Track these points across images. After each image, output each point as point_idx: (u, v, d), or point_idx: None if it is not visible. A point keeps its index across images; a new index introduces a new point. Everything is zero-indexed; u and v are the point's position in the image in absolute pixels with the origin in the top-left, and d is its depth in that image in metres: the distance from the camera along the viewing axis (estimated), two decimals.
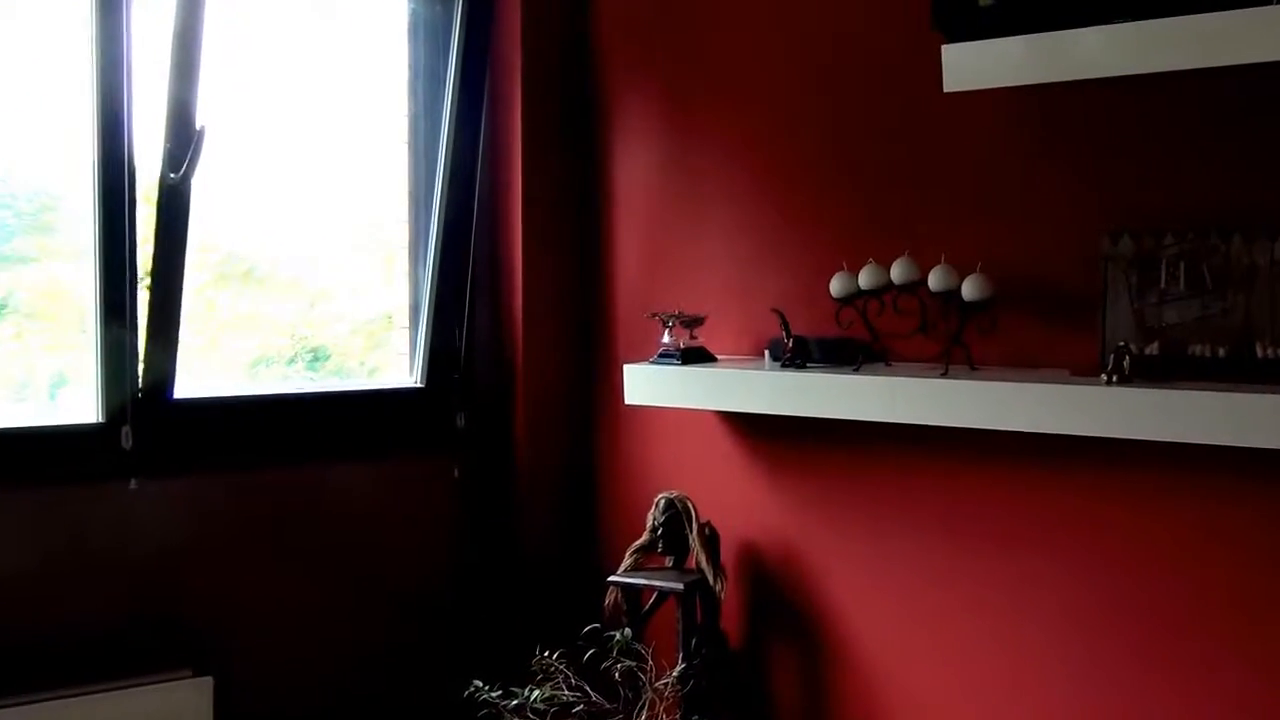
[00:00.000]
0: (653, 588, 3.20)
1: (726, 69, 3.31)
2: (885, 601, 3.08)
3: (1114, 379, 2.52)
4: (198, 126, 2.94)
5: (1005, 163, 2.89)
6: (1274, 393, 2.37)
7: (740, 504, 3.29)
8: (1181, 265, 2.62)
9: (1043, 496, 2.85)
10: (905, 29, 2.94)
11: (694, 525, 3.18)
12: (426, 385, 3.48)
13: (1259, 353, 2.53)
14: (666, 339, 3.18)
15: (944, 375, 2.73)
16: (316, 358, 3.44)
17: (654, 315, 3.23)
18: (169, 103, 2.93)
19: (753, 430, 3.27)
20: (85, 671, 2.88)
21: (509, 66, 3.51)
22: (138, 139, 2.92)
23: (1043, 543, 2.85)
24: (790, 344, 3.00)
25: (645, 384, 3.19)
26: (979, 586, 2.94)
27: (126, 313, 2.95)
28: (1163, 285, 2.63)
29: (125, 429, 2.97)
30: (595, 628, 3.12)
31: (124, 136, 2.91)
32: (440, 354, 3.49)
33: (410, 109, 3.49)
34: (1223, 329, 2.58)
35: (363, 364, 3.51)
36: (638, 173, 3.49)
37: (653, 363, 3.19)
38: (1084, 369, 2.67)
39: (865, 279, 2.87)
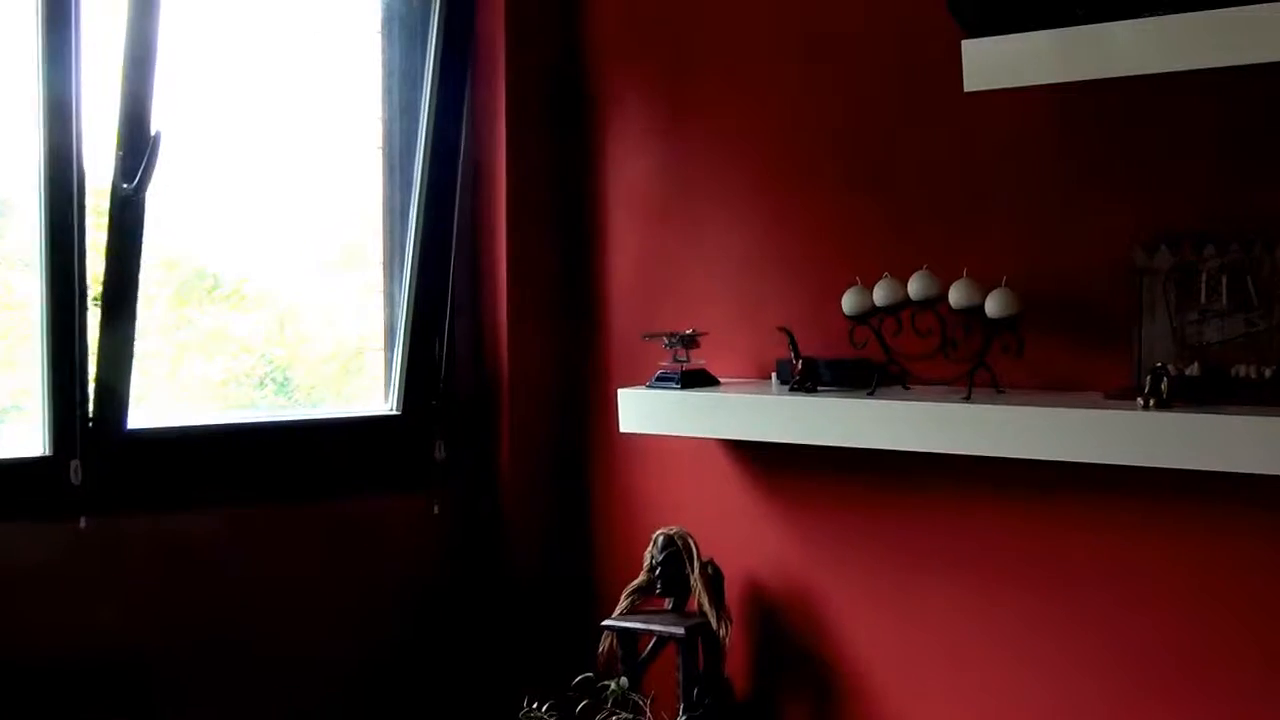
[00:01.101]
0: (651, 632, 3.19)
1: (729, 67, 3.32)
2: (904, 645, 3.07)
3: (1151, 403, 2.52)
4: (153, 132, 2.94)
5: (1032, 168, 2.90)
6: None
7: (746, 540, 3.28)
8: (1223, 278, 2.62)
9: (1076, 531, 2.84)
10: (922, 23, 2.95)
11: (695, 564, 3.17)
12: (403, 412, 3.48)
13: None
14: (665, 361, 3.18)
15: (967, 400, 2.73)
16: (284, 383, 3.44)
17: (651, 336, 3.22)
18: (121, 106, 2.93)
19: (759, 460, 3.26)
20: None
21: (492, 66, 3.52)
22: (88, 145, 2.92)
23: (1075, 581, 2.84)
24: (799, 366, 2.99)
25: (641, 410, 3.18)
26: (1007, 629, 2.93)
27: (76, 334, 2.94)
28: (1203, 300, 2.63)
29: (74, 463, 2.95)
30: (588, 677, 3.11)
31: (72, 142, 2.90)
32: (418, 379, 3.48)
33: (384, 112, 3.49)
34: (1269, 348, 2.57)
35: (335, 390, 3.51)
36: (633, 181, 3.49)
37: (649, 387, 3.19)
38: (1119, 392, 2.66)
39: (880, 295, 2.87)
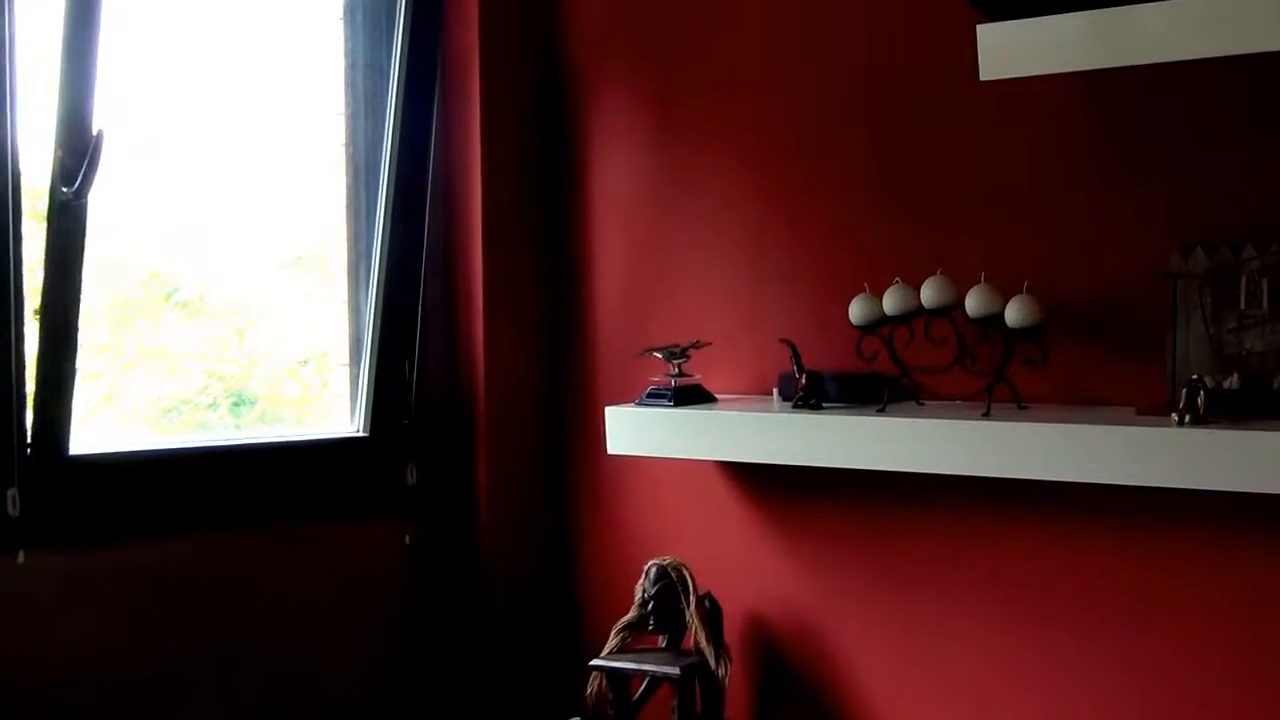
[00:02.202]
0: (643, 673, 3.19)
1: (724, 57, 3.33)
2: (919, 685, 3.07)
3: (1186, 419, 2.52)
4: (95, 130, 2.93)
5: (1054, 163, 2.90)
6: None
7: (746, 571, 3.29)
8: (1264, 282, 2.62)
9: (1106, 560, 2.84)
10: (934, 7, 2.96)
11: (691, 597, 3.17)
12: (371, 434, 3.48)
13: None
14: (656, 376, 3.18)
15: (986, 416, 2.73)
16: (240, 402, 3.43)
17: (650, 352, 3.21)
18: (60, 103, 2.92)
19: (760, 484, 3.26)
20: None
21: (464, 55, 3.52)
22: (23, 145, 2.90)
23: (1106, 615, 2.84)
24: (803, 380, 2.99)
25: (631, 430, 3.18)
26: (1033, 667, 2.93)
27: (12, 352, 2.92)
28: (1243, 306, 2.64)
29: (11, 492, 2.93)
30: None
31: (6, 142, 2.88)
32: (387, 397, 3.48)
33: (348, 107, 3.49)
34: None
35: (296, 410, 3.50)
36: (621, 181, 3.49)
37: (639, 404, 3.19)
38: (1151, 408, 2.66)
39: (891, 303, 2.87)
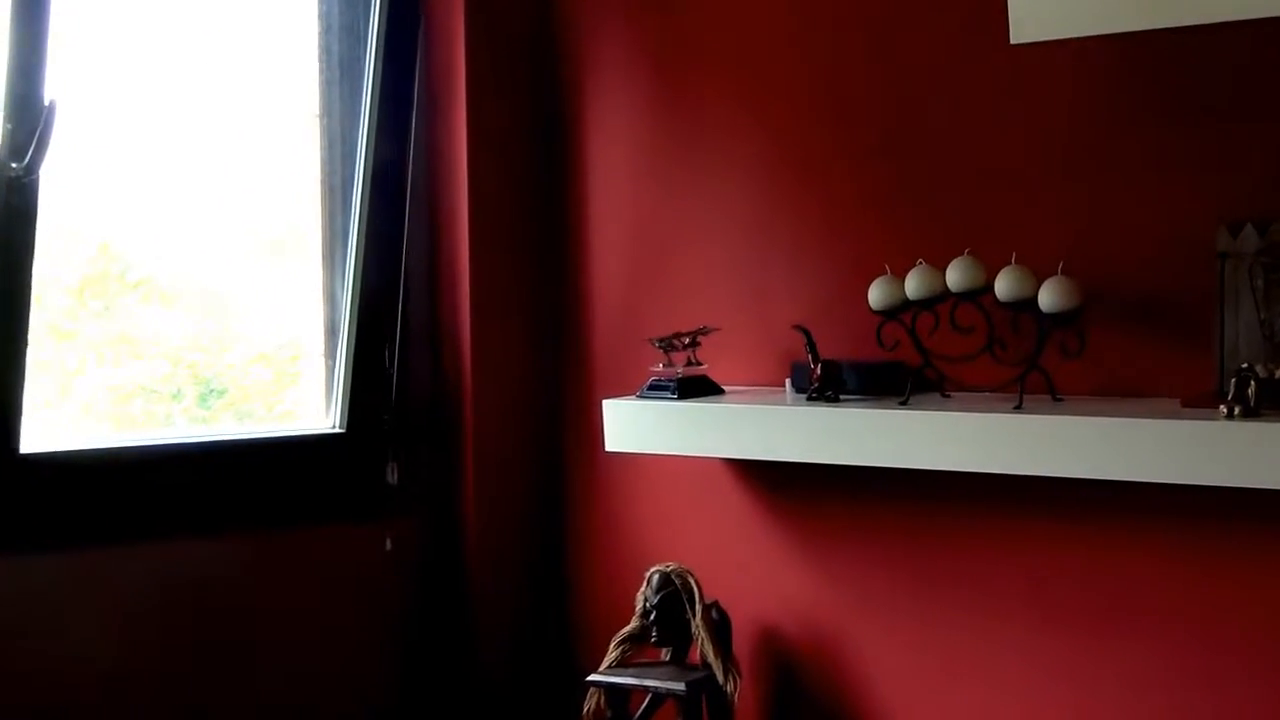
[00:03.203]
0: (645, 688, 3.19)
1: (733, 13, 3.32)
2: (946, 700, 3.07)
3: (1236, 411, 2.51)
4: (46, 101, 2.93)
5: (1093, 134, 2.89)
6: None
7: (757, 578, 3.29)
8: None
9: (1149, 564, 2.84)
10: None
11: (697, 607, 3.17)
12: (348, 430, 3.48)
13: None
14: (658, 365, 3.17)
15: (1018, 409, 2.73)
16: (207, 394, 3.43)
17: (660, 341, 3.20)
18: (8, 71, 2.91)
19: (771, 483, 3.26)
20: None
21: (448, 16, 3.51)
22: None
23: (1150, 623, 2.84)
24: (818, 371, 2.99)
25: (631, 425, 3.18)
26: (1068, 678, 2.93)
27: None
28: None
29: None
30: None
31: None
32: (365, 390, 3.48)
33: (323, 74, 3.49)
34: None
35: (267, 403, 3.50)
36: (620, 152, 3.49)
37: (640, 397, 3.19)
38: (1197, 399, 2.66)
39: (914, 285, 2.86)
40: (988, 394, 2.88)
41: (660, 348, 3.18)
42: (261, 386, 3.52)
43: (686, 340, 3.18)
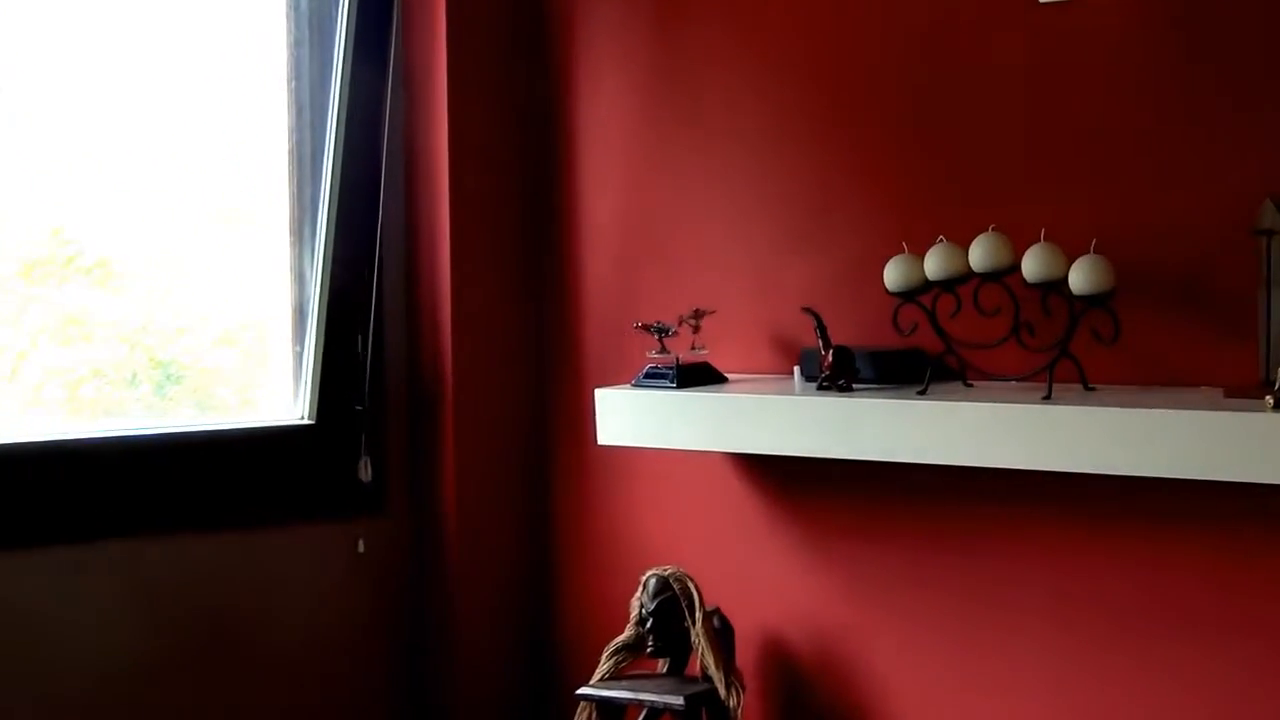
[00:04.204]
0: (641, 703, 3.19)
1: None
2: (967, 717, 3.07)
3: None
4: None
5: (1129, 98, 2.88)
6: None
7: (762, 583, 3.29)
8: None
9: (1188, 568, 2.83)
10: None
11: (697, 614, 3.16)
12: (318, 421, 3.48)
13: None
14: (656, 351, 3.17)
15: (1046, 400, 2.72)
16: (165, 380, 3.43)
17: (653, 328, 3.20)
18: None
19: (779, 480, 3.27)
20: None
21: None
22: None
23: (1193, 632, 2.83)
24: (830, 358, 2.99)
25: (626, 416, 3.17)
26: (1102, 691, 2.93)
27: None
28: None
29: None
30: None
31: None
32: (336, 378, 3.48)
33: (290, 33, 3.48)
34: None
35: (230, 391, 3.50)
36: (613, 115, 3.49)
37: (636, 385, 3.18)
38: (1241, 388, 2.65)
39: (934, 264, 2.85)
40: (1013, 383, 2.88)
41: (654, 334, 3.17)
42: (223, 373, 3.51)
43: (679, 326, 3.17)
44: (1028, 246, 2.77)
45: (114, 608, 3.18)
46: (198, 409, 3.45)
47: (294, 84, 3.49)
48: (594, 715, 3.23)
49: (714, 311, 3.21)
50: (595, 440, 3.24)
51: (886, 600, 3.16)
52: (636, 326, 3.22)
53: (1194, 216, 2.81)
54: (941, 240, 2.86)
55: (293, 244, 3.52)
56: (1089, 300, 2.72)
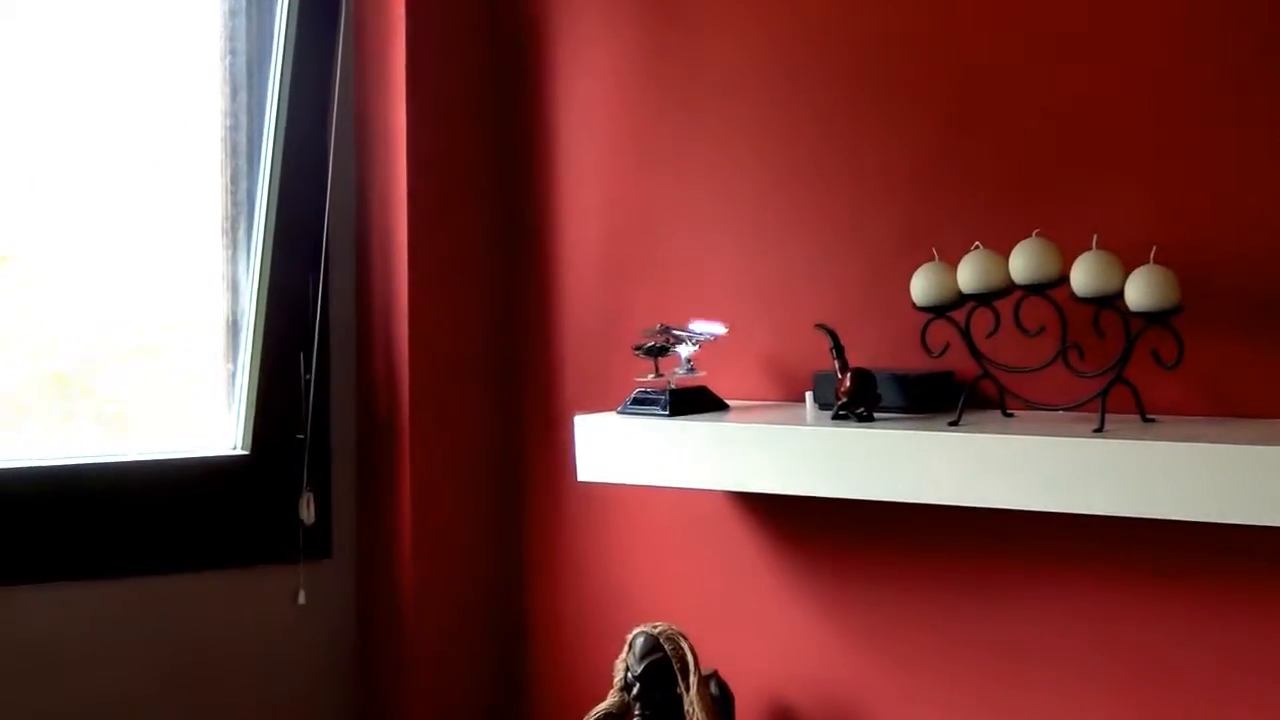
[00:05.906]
0: None
1: None
2: None
3: None
4: None
5: (1195, 87, 2.88)
6: None
7: (767, 642, 3.29)
8: None
9: (1263, 620, 2.81)
10: None
11: (691, 678, 3.15)
12: (253, 452, 3.49)
13: None
14: (645, 374, 3.16)
15: (1099, 432, 2.70)
16: (76, 408, 3.43)
17: (643, 350, 3.18)
18: None
19: (787, 522, 3.27)
20: None
21: None
22: None
23: (1270, 693, 2.82)
24: (847, 382, 2.97)
25: (610, 448, 3.16)
26: None
27: None
28: None
29: None
30: None
31: None
32: (276, 405, 3.50)
33: (226, 2, 3.49)
34: None
35: (154, 419, 3.50)
36: (598, 94, 3.50)
37: (622, 412, 3.17)
38: None
39: (969, 275, 2.84)
40: (1060, 413, 2.87)
41: (649, 355, 3.16)
42: (147, 398, 3.51)
43: (666, 343, 3.15)
44: (1077, 255, 2.75)
45: (13, 670, 3.19)
46: (107, 434, 3.44)
47: (229, 60, 3.51)
48: None
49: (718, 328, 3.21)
50: (575, 476, 3.23)
51: (909, 660, 3.15)
52: (636, 352, 3.20)
53: (1270, 222, 2.80)
54: (978, 246, 2.85)
55: (225, 246, 3.53)
56: (1148, 318, 2.70)
